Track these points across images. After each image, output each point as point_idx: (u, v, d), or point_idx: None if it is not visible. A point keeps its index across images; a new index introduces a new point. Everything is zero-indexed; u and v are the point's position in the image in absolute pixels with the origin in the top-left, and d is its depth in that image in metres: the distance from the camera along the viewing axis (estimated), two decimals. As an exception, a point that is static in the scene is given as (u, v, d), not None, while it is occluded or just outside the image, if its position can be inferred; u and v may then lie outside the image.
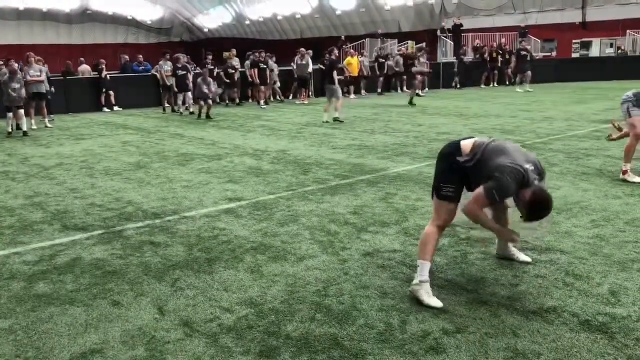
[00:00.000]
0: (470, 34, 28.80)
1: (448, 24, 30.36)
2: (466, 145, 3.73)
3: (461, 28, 27.56)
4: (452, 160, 3.71)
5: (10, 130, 12.50)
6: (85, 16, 44.16)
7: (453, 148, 3.78)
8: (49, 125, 14.14)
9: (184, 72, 16.95)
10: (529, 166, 3.48)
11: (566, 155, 8.35)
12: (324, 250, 4.69)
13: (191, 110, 16.62)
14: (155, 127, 13.60)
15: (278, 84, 20.57)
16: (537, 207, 3.42)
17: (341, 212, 5.77)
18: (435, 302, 3.58)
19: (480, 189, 3.54)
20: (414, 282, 3.71)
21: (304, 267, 4.33)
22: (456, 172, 3.70)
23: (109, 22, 45.72)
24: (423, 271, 3.67)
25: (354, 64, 20.79)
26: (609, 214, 5.42)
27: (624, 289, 3.79)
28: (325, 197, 6.35)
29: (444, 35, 28.73)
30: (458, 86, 24.47)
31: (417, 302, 3.64)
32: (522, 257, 4.30)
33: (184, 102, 16.98)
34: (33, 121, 13.91)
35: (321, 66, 19.17)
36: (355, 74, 20.92)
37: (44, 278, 4.26)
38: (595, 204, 5.74)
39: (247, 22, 44.65)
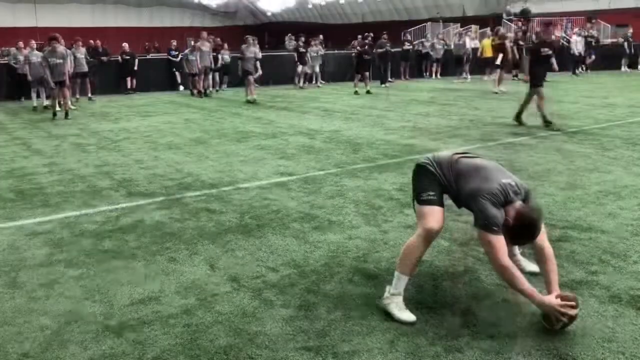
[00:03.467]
0: (536, 18, 27.95)
1: (515, 8, 29.57)
2: (438, 157, 3.47)
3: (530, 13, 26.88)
4: (426, 170, 3.42)
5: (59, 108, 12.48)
6: (155, 0, 45.56)
7: (426, 160, 3.50)
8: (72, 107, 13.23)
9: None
10: (506, 181, 3.14)
11: (623, 141, 8.18)
12: (367, 222, 4.91)
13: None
14: (216, 106, 14.12)
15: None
16: (521, 229, 3.05)
17: (387, 188, 5.96)
18: (408, 316, 3.21)
19: (480, 234, 3.14)
20: (385, 294, 3.34)
21: (347, 236, 4.57)
22: (433, 181, 3.37)
23: (177, 5, 47.00)
24: (398, 284, 3.30)
25: (486, 45, 20.12)
26: (658, 198, 5.37)
27: (660, 268, 3.83)
28: (372, 175, 6.55)
29: (509, 19, 28.02)
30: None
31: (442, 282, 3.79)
32: (530, 267, 3.81)
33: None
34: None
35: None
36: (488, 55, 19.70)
37: (110, 236, 4.69)
38: (646, 188, 5.69)
39: (310, 5, 44.86)
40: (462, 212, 5.07)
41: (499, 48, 17.03)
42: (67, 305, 3.48)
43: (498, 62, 16.86)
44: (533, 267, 3.82)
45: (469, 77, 20.91)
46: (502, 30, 19.30)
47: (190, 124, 11.00)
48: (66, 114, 12.27)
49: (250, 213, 5.22)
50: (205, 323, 3.24)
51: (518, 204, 3.10)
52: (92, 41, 20.32)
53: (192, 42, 21.56)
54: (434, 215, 3.30)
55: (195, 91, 17.27)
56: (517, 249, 3.88)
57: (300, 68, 19.30)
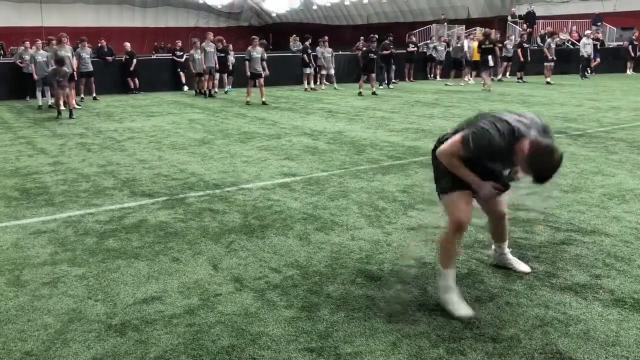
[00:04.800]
0: (541, 20, 27.91)
1: (520, 10, 29.54)
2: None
3: (535, 16, 26.87)
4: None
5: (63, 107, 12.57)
6: (160, 0, 45.64)
7: (438, 141, 3.51)
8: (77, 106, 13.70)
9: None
10: (523, 119, 3.05)
11: (628, 145, 8.16)
12: (370, 224, 4.90)
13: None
14: (221, 107, 14.14)
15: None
16: (540, 158, 2.85)
17: (391, 190, 5.95)
18: (465, 311, 3.28)
19: (456, 135, 3.24)
20: (440, 291, 3.44)
21: (349, 237, 4.57)
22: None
23: (182, 6, 47.07)
24: (446, 280, 3.39)
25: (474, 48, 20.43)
26: (663, 201, 5.35)
27: (664, 272, 3.81)
28: (376, 176, 6.54)
29: (514, 21, 28.00)
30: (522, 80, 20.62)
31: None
32: (521, 267, 3.86)
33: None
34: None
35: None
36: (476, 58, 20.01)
37: (113, 235, 4.70)
38: (651, 192, 5.67)
39: (315, 7, 44.88)
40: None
41: (488, 51, 17.47)
42: (71, 304, 3.49)
43: (491, 63, 17.66)
44: (524, 267, 3.86)
45: (454, 79, 20.84)
46: (493, 34, 19.50)
47: (194, 124, 11.02)
48: (70, 113, 12.29)
49: (254, 214, 5.23)
50: (207, 323, 3.24)
51: (532, 134, 2.93)
52: (103, 40, 20.40)
53: (197, 42, 21.54)
54: (459, 205, 3.35)
55: (199, 91, 17.30)
56: (506, 248, 3.88)
57: (307, 70, 19.09)
